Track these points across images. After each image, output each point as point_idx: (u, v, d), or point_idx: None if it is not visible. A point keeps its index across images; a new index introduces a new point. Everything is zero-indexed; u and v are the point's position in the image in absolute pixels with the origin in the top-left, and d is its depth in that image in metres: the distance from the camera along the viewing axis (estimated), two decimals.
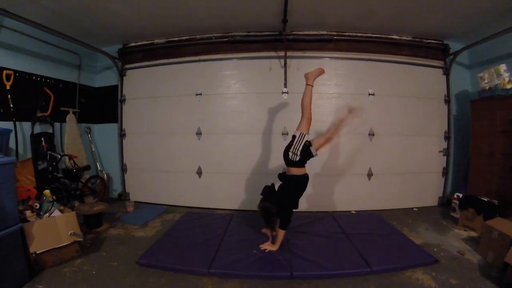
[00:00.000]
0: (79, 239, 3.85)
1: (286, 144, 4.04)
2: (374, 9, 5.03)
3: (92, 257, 3.87)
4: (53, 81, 5.75)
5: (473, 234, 4.59)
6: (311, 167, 4.26)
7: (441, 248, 4.11)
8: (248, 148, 6.09)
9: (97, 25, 5.58)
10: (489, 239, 3.68)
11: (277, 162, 5.92)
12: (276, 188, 3.99)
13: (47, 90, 5.50)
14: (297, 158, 3.87)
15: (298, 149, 3.86)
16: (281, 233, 3.94)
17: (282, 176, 4.07)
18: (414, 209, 6.03)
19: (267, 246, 3.99)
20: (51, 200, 3.91)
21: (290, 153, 3.88)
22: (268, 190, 4.06)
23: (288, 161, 3.93)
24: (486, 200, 4.72)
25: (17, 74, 4.96)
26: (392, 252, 3.88)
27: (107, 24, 5.55)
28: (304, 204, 5.83)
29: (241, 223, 5.07)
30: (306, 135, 3.95)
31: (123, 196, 6.78)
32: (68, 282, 3.25)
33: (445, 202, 6.23)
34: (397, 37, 6.16)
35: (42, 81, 5.52)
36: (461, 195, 5.21)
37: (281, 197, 3.89)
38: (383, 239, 4.31)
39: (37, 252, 3.41)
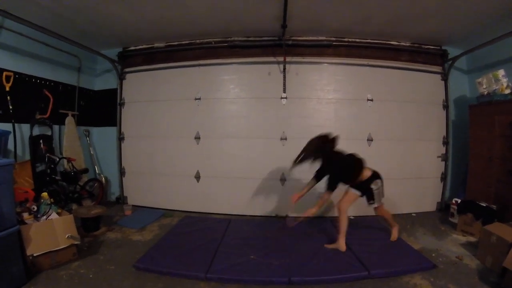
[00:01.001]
0: (76, 242, 3.83)
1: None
2: (373, 14, 5.06)
3: (89, 261, 3.86)
4: (52, 84, 5.74)
5: (472, 239, 4.58)
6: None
7: (439, 253, 4.11)
8: (247, 153, 6.08)
9: (97, 28, 5.59)
10: (488, 244, 3.67)
11: (275, 167, 5.94)
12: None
13: (47, 92, 5.50)
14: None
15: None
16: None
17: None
18: (413, 214, 6.02)
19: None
20: (49, 202, 3.91)
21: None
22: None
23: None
24: (484, 205, 4.72)
25: (16, 76, 4.94)
26: (390, 257, 3.87)
27: (107, 27, 5.56)
28: (302, 208, 5.83)
29: (239, 228, 5.08)
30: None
31: (121, 199, 6.76)
32: (65, 285, 3.24)
33: (443, 207, 6.23)
34: (395, 42, 6.20)
35: (41, 83, 5.50)
36: (459, 200, 5.21)
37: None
38: (381, 244, 4.31)
39: (34, 255, 3.40)
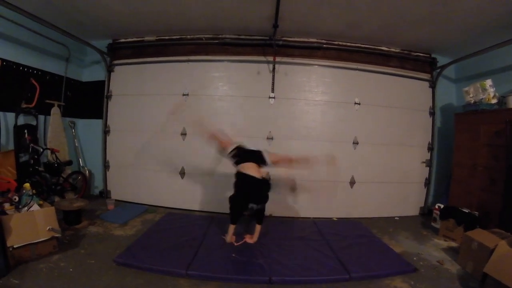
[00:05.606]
0: (57, 235, 3.77)
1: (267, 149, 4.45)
2: (365, 19, 5.09)
3: (70, 254, 3.80)
4: (40, 73, 5.64)
5: (453, 244, 4.63)
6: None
7: (420, 257, 4.14)
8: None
9: (88, 18, 5.50)
10: (469, 250, 3.72)
11: None
12: None
13: (34, 81, 5.37)
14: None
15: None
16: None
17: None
18: (395, 218, 6.08)
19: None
20: (31, 193, 3.84)
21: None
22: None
23: None
24: (467, 211, 4.78)
25: (4, 63, 4.85)
26: (372, 259, 3.89)
27: (97, 17, 5.48)
28: (285, 209, 5.83)
29: (221, 226, 5.02)
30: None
31: (104, 193, 6.68)
32: (44, 278, 3.18)
33: (426, 212, 6.30)
34: (385, 48, 6.25)
35: (28, 71, 5.40)
36: (442, 206, 5.27)
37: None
38: (363, 247, 4.34)
39: (14, 246, 3.34)
